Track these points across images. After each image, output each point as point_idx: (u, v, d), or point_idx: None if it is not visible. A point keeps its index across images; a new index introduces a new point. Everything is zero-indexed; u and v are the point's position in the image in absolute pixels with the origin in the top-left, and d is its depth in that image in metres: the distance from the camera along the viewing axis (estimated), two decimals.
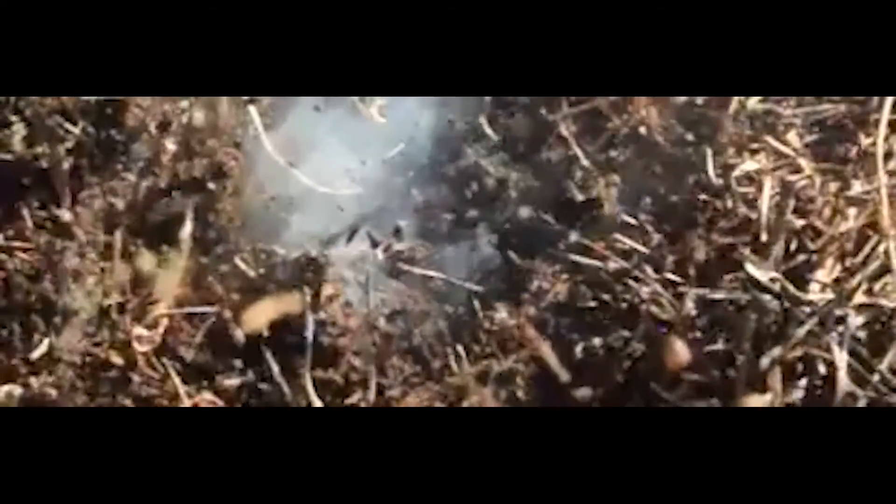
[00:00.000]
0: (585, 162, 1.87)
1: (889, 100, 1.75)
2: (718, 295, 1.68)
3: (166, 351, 1.76)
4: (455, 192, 1.91)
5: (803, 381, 1.62)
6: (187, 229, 1.82)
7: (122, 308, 1.76)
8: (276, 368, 1.73)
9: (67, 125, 1.86)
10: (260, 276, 1.81)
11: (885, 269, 1.65)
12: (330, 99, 1.89)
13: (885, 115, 1.74)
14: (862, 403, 1.56)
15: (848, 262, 1.67)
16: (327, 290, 1.78)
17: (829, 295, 1.63)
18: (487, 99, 1.93)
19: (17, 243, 1.79)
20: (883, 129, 1.72)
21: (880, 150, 1.70)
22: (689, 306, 1.69)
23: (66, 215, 1.81)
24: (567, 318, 1.78)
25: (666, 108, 1.87)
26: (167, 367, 1.73)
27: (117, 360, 1.73)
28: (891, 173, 1.71)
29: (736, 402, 1.62)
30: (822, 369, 1.62)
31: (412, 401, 1.73)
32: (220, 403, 1.74)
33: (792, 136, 1.80)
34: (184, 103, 1.86)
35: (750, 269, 1.64)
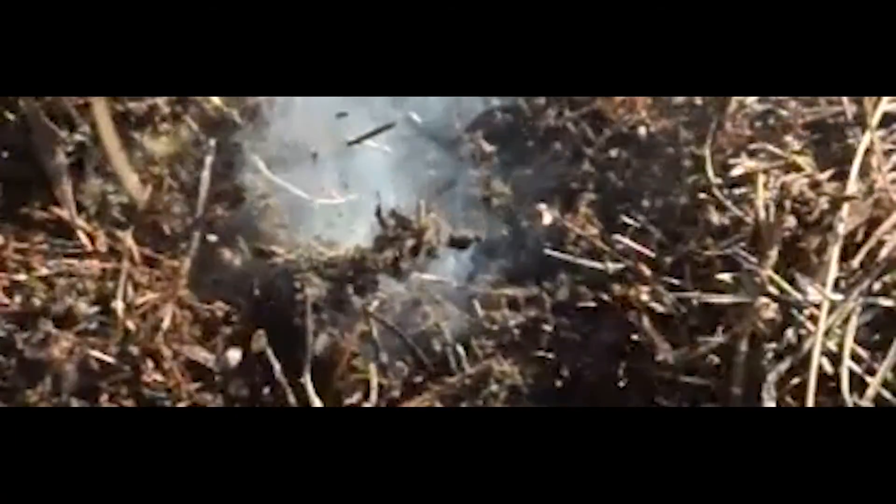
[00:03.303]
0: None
1: (884, 100, 1.76)
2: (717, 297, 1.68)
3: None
4: None
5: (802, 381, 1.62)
6: None
7: None
8: (277, 367, 1.74)
9: None
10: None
11: (885, 269, 1.65)
12: None
13: (879, 114, 1.75)
14: (863, 403, 1.57)
15: (847, 263, 1.67)
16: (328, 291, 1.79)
17: (829, 295, 1.63)
18: None
19: None
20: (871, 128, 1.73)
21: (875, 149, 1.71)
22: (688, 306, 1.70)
23: None
24: None
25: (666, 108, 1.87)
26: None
27: None
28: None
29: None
30: (821, 370, 1.62)
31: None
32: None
33: (790, 137, 1.80)
34: None
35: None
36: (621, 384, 1.73)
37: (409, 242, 1.76)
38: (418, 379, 1.77)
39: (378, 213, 1.76)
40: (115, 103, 1.86)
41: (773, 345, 1.62)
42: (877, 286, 1.65)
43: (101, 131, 1.81)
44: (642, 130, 1.88)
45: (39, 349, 1.70)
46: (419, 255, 1.77)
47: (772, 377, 1.60)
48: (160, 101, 1.88)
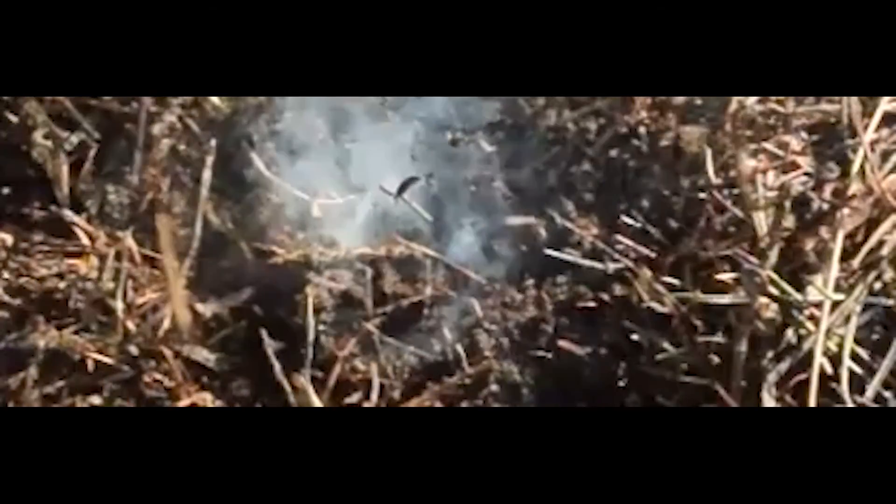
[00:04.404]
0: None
1: (884, 100, 1.75)
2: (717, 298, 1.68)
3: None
4: None
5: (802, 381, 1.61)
6: None
7: None
8: (277, 367, 1.74)
9: None
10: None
11: (885, 269, 1.65)
12: None
13: (879, 114, 1.75)
14: (864, 403, 1.57)
15: (847, 263, 1.67)
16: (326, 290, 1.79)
17: (829, 295, 1.63)
18: None
19: None
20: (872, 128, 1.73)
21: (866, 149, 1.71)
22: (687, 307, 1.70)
23: None
24: None
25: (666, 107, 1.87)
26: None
27: None
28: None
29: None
30: (820, 370, 1.61)
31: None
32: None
33: (790, 137, 1.80)
34: None
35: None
36: (621, 384, 1.73)
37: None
38: (418, 379, 1.77)
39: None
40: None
41: (773, 345, 1.62)
42: (877, 286, 1.65)
43: (163, 249, 1.80)
44: (642, 130, 1.87)
45: (23, 340, 1.71)
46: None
47: (772, 377, 1.60)
48: (173, 116, 1.88)
